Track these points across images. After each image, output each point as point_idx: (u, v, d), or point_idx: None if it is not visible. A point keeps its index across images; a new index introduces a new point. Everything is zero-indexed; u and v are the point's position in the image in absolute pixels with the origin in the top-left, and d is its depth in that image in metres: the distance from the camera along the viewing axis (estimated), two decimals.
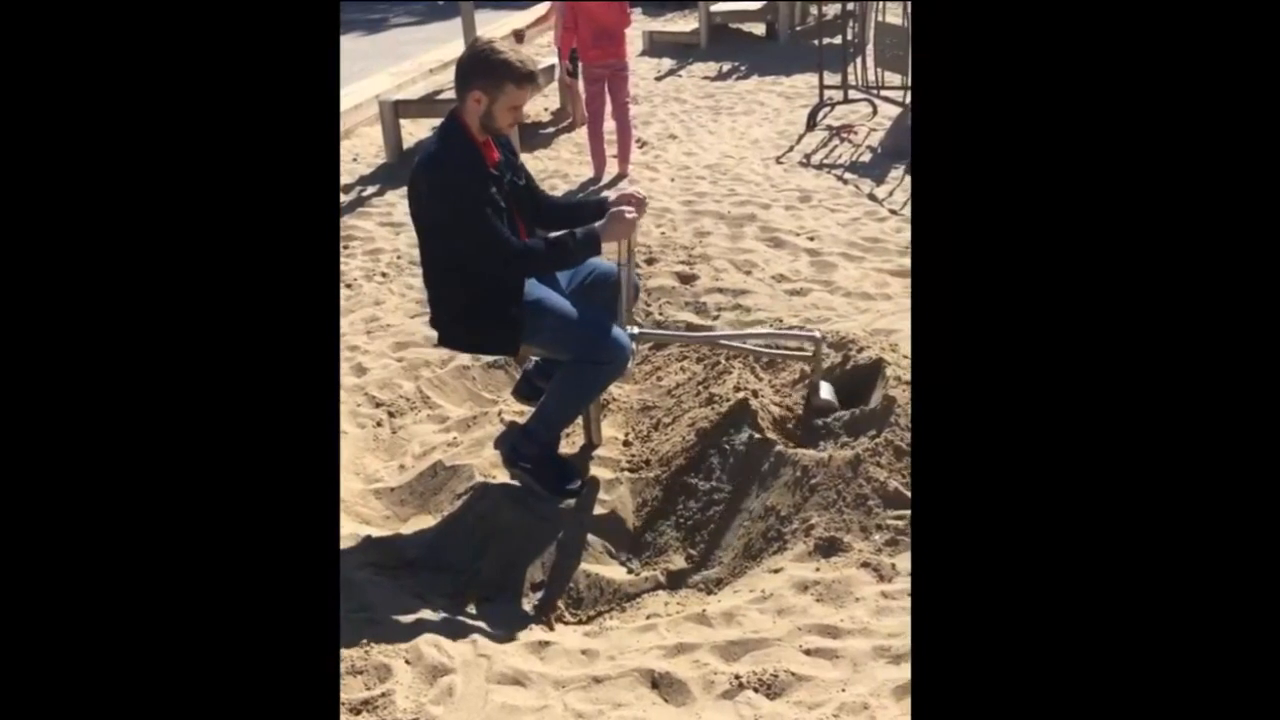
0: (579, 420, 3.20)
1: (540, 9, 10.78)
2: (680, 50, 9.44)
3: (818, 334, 3.04)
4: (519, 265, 2.73)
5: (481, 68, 2.66)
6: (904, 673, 2.07)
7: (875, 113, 6.74)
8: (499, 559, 2.75)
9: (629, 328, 2.93)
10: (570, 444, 3.20)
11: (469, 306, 2.78)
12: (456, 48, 8.01)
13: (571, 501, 2.89)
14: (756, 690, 2.09)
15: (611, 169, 5.96)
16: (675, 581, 2.67)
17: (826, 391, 3.00)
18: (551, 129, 7.19)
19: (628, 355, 2.81)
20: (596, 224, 2.79)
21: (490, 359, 3.74)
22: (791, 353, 3.15)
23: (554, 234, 2.81)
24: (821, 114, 6.74)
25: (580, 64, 6.05)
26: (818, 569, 2.47)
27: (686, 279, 4.32)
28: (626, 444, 3.23)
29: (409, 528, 2.94)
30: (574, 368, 2.82)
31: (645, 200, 2.95)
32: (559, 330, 2.78)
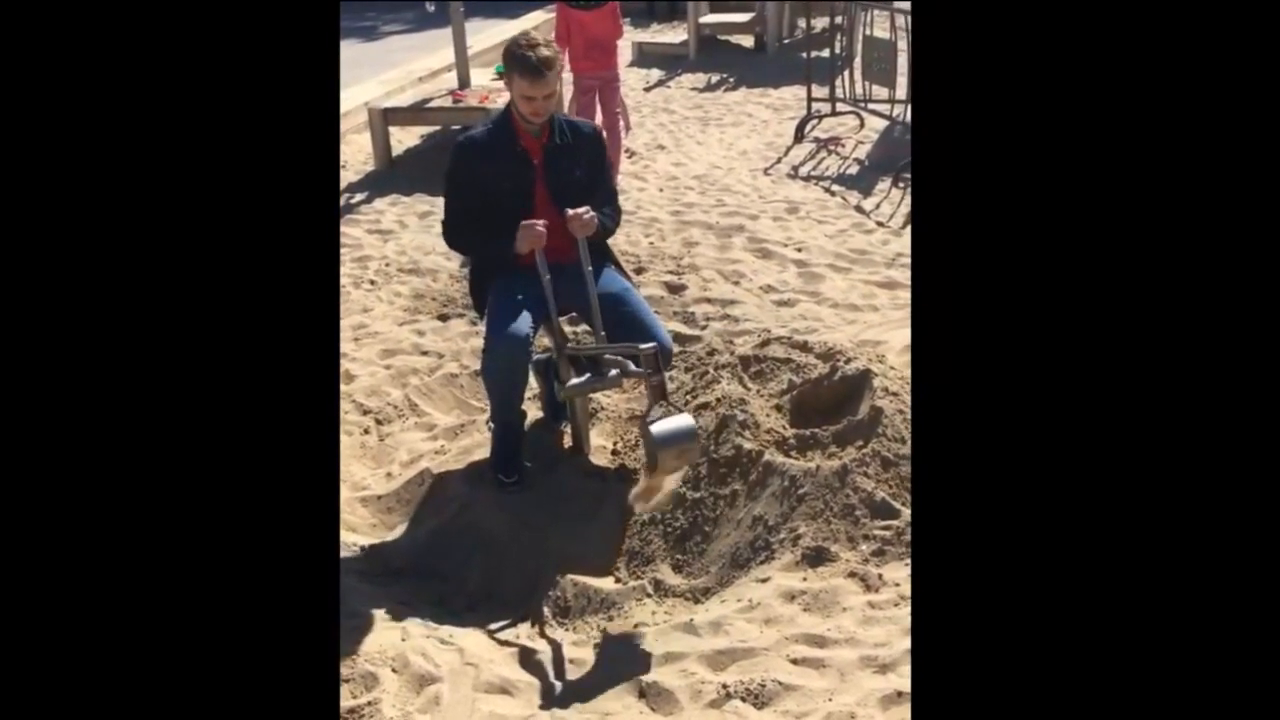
0: (567, 427, 3.21)
1: (531, 18, 10.80)
2: (669, 61, 9.47)
3: (645, 347, 2.44)
4: (453, 244, 3.13)
5: (505, 58, 2.92)
6: (890, 683, 2.08)
7: (862, 125, 6.78)
8: (486, 567, 2.74)
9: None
10: (561, 452, 3.20)
11: (470, 261, 3.26)
12: (445, 56, 8.01)
13: (561, 508, 2.89)
14: (744, 699, 2.10)
15: None
16: (663, 591, 2.67)
17: (664, 424, 2.35)
18: None
19: (502, 355, 2.84)
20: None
21: (478, 366, 3.74)
22: (633, 371, 2.63)
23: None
24: (809, 126, 6.77)
25: (572, 74, 6.06)
26: (805, 579, 2.47)
27: (675, 289, 4.34)
28: (615, 453, 3.23)
29: (396, 536, 2.93)
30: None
31: (580, 216, 2.89)
32: (488, 308, 2.97)
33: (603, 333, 2.88)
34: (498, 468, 3.01)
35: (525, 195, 2.94)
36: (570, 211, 2.90)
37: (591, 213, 2.92)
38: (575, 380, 2.90)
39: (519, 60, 2.82)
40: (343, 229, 5.35)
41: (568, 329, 3.32)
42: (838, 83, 6.71)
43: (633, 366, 2.62)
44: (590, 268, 2.91)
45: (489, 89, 6.52)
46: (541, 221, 2.87)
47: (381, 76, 8.38)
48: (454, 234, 3.06)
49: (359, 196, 5.93)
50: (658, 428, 2.35)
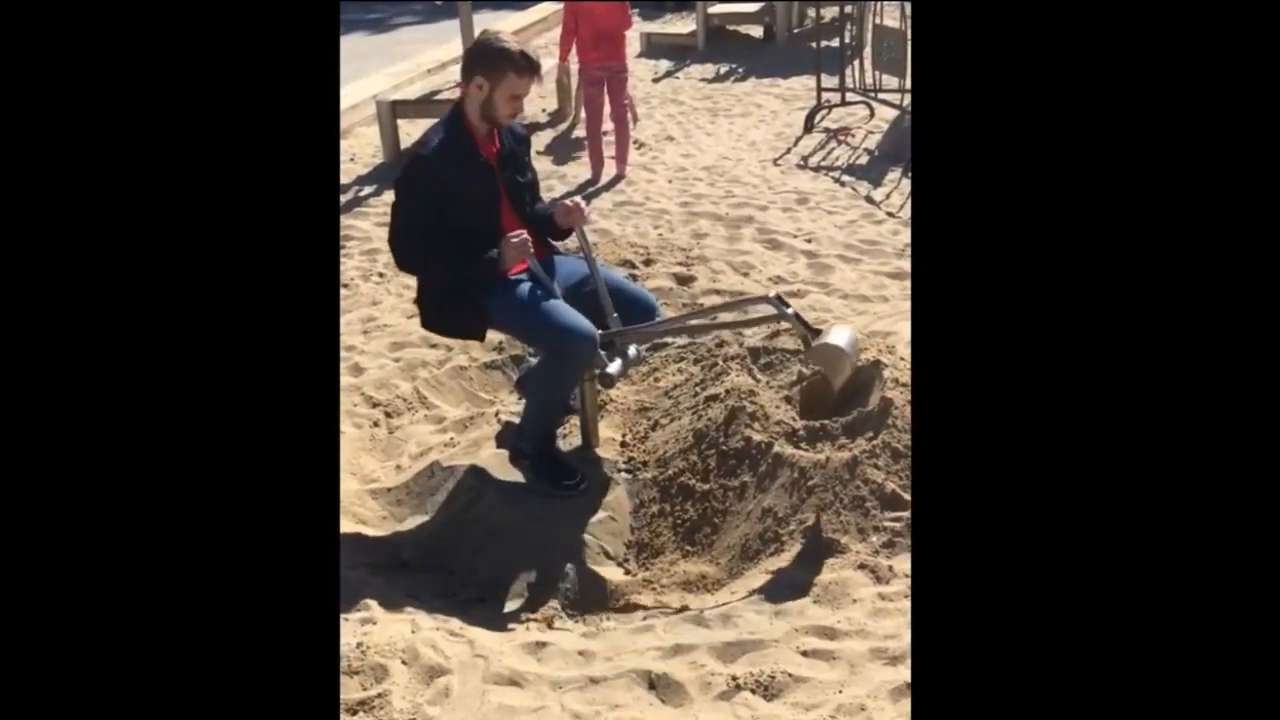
0: (576, 421, 3.20)
1: (539, 10, 10.78)
2: (678, 52, 9.43)
3: (771, 294, 2.81)
4: (404, 258, 2.84)
5: (485, 56, 2.77)
6: (901, 674, 2.07)
7: (872, 115, 6.75)
8: (496, 560, 2.74)
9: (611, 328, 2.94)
10: (566, 445, 3.19)
11: (436, 290, 2.90)
12: (454, 48, 8.00)
13: (570, 501, 2.89)
14: (754, 691, 2.09)
15: (610, 170, 5.96)
16: (672, 582, 2.67)
17: (840, 336, 2.66)
18: (549, 130, 7.19)
19: (586, 348, 2.80)
20: (495, 251, 2.80)
21: (487, 359, 3.74)
22: (760, 318, 3.04)
23: (465, 255, 2.82)
24: (819, 116, 6.74)
25: (579, 65, 6.05)
26: (815, 570, 2.47)
27: (684, 280, 4.32)
28: (624, 445, 3.23)
29: (405, 528, 2.93)
30: (542, 362, 2.93)
31: (578, 206, 2.97)
32: (525, 321, 2.85)
33: (615, 314, 2.90)
34: (565, 475, 2.92)
35: (493, 204, 2.87)
36: (566, 203, 2.94)
37: (583, 201, 2.98)
38: (617, 364, 2.92)
39: (512, 57, 2.73)
40: (352, 221, 5.35)
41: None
42: (847, 72, 6.68)
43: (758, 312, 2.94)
44: (593, 254, 2.93)
45: None
46: (521, 233, 2.82)
47: (390, 69, 8.37)
48: (411, 253, 2.81)
49: (368, 189, 5.93)
50: (835, 340, 2.60)
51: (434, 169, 2.77)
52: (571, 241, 3.13)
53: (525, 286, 2.88)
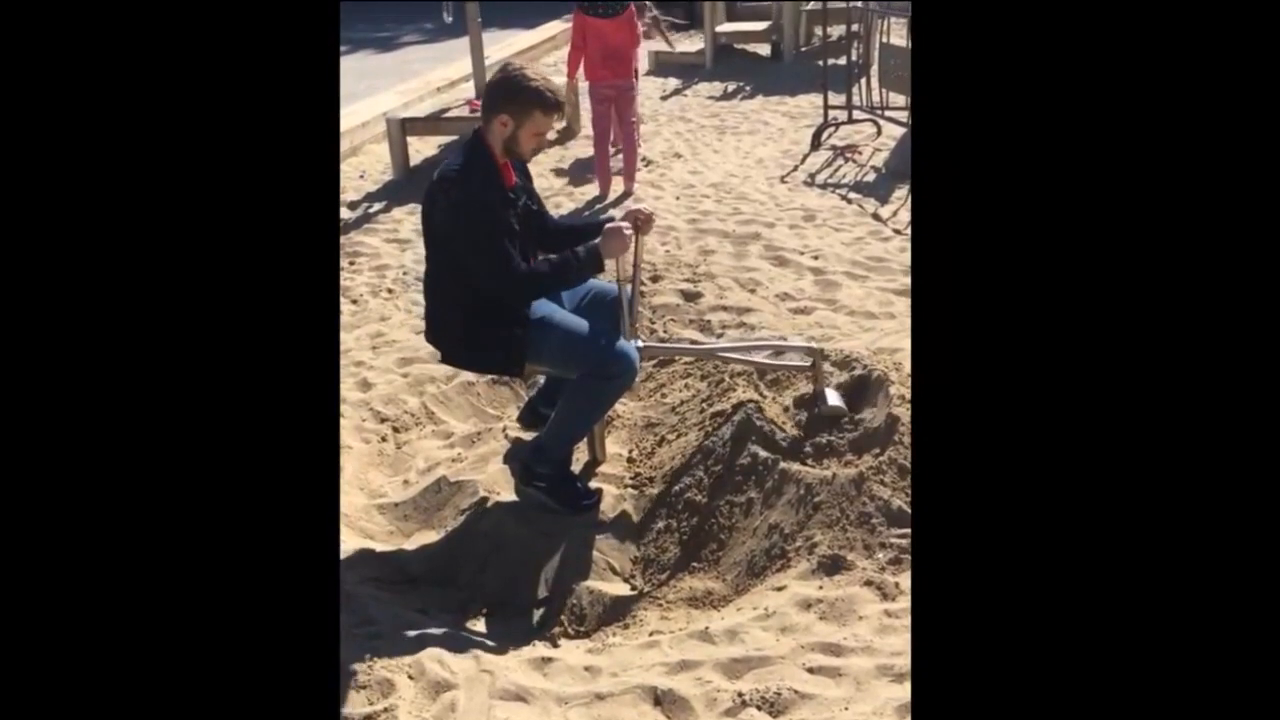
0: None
1: (548, 28, 10.85)
2: (686, 70, 9.48)
3: (817, 347, 3.12)
4: (525, 288, 2.79)
5: (512, 93, 2.73)
6: (907, 691, 2.06)
7: (879, 133, 6.77)
8: (502, 574, 2.75)
9: (634, 341, 2.96)
10: (574, 460, 3.20)
11: (472, 325, 2.83)
12: (463, 66, 8.06)
13: (580, 517, 2.90)
14: (759, 708, 2.09)
15: (617, 187, 5.98)
16: (678, 598, 2.67)
17: (834, 398, 3.04)
18: (558, 147, 7.23)
19: (636, 367, 2.85)
20: (597, 241, 2.82)
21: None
22: (792, 365, 3.21)
23: (556, 255, 2.83)
24: (826, 134, 6.77)
25: (588, 83, 6.08)
26: (821, 587, 2.47)
27: (691, 296, 4.34)
28: (630, 460, 3.24)
29: (413, 543, 2.94)
30: (583, 382, 2.83)
31: (652, 215, 3.06)
32: (566, 346, 2.81)
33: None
34: (583, 496, 2.94)
35: (526, 236, 2.85)
36: (642, 210, 3.01)
37: (646, 209, 3.05)
38: None
39: (540, 98, 2.71)
40: (361, 238, 5.38)
41: None
42: (854, 90, 6.71)
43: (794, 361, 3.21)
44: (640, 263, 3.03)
45: None
46: (625, 225, 2.85)
47: (399, 87, 8.44)
48: (520, 274, 2.73)
49: (377, 206, 5.97)
50: (836, 401, 3.06)
51: (496, 201, 2.74)
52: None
53: (557, 312, 2.88)
